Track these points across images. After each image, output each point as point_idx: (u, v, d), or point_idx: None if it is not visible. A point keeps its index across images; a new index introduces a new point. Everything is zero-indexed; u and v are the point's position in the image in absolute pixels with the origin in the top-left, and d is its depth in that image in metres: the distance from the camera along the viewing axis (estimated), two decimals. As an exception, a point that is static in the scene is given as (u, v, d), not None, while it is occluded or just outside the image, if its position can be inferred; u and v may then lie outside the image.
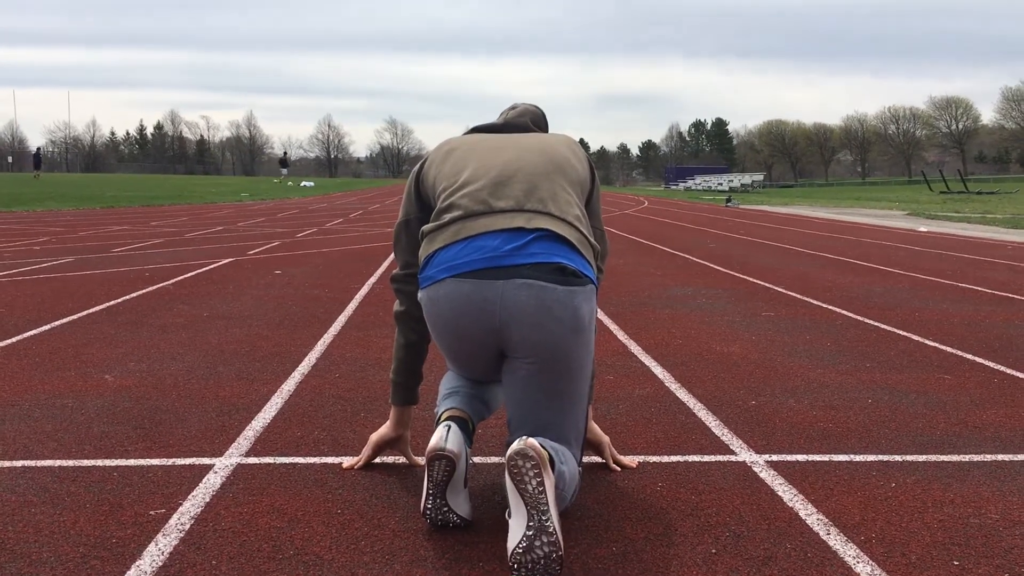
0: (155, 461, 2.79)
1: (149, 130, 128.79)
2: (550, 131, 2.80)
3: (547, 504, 2.00)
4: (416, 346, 2.67)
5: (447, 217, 2.39)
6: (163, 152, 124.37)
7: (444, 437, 2.26)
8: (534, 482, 2.00)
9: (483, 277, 2.29)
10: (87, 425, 3.17)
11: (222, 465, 2.76)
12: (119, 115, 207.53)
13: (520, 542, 1.99)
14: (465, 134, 2.70)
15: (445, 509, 2.24)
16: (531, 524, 1.99)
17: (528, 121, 2.73)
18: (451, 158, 2.53)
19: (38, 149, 63.87)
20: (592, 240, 2.45)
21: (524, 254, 2.30)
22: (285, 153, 71.32)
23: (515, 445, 2.02)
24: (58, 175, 57.67)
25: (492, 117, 2.95)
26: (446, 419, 2.39)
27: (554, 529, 1.99)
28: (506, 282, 2.27)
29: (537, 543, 1.98)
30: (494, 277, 2.28)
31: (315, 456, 2.86)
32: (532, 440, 2.04)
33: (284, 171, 57.65)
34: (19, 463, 2.77)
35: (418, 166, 2.63)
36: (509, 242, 2.32)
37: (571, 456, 2.28)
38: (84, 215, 18.12)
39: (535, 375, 2.30)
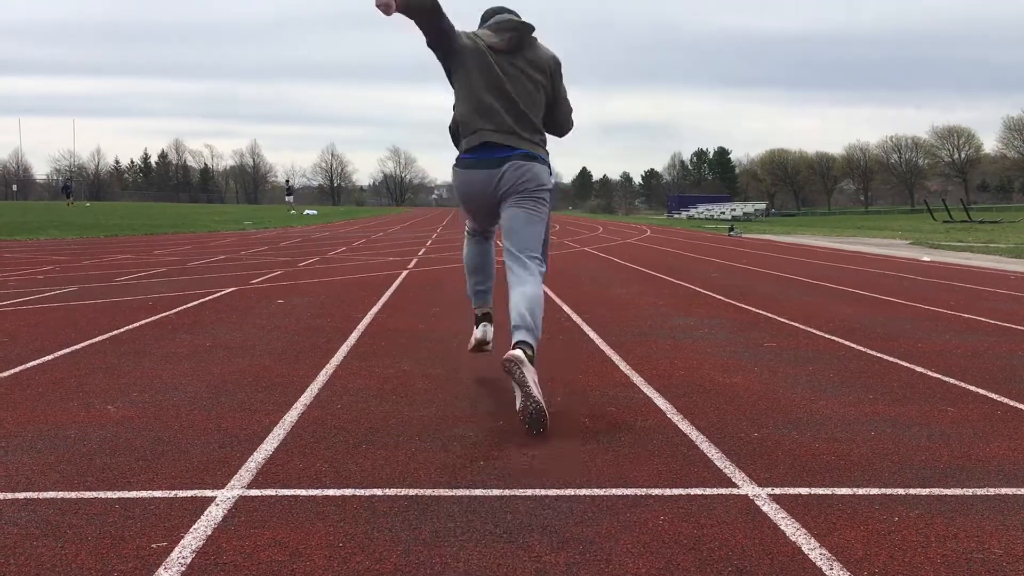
0: (157, 493, 2.79)
1: (153, 159, 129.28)
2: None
3: (528, 384, 3.46)
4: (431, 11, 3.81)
5: (467, 132, 4.01)
6: (167, 181, 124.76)
7: (485, 336, 4.51)
8: (518, 371, 3.48)
9: (489, 166, 3.96)
10: (89, 456, 3.18)
11: (224, 497, 2.76)
12: (124, 144, 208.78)
13: (519, 404, 3.51)
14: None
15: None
16: (522, 394, 3.48)
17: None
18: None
19: (67, 180, 68.57)
20: (543, 134, 4.12)
21: (509, 151, 3.96)
22: (287, 181, 72.17)
23: (508, 353, 3.55)
24: (62, 204, 57.94)
25: None
26: (483, 317, 4.51)
27: (536, 396, 3.45)
28: (499, 168, 3.94)
29: (527, 403, 3.46)
30: (496, 165, 3.95)
31: (317, 488, 2.86)
32: (516, 352, 3.54)
33: (289, 199, 58.24)
34: (21, 495, 2.77)
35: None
36: (502, 150, 3.97)
37: (539, 275, 3.95)
38: (87, 244, 18.19)
39: (518, 209, 3.97)
